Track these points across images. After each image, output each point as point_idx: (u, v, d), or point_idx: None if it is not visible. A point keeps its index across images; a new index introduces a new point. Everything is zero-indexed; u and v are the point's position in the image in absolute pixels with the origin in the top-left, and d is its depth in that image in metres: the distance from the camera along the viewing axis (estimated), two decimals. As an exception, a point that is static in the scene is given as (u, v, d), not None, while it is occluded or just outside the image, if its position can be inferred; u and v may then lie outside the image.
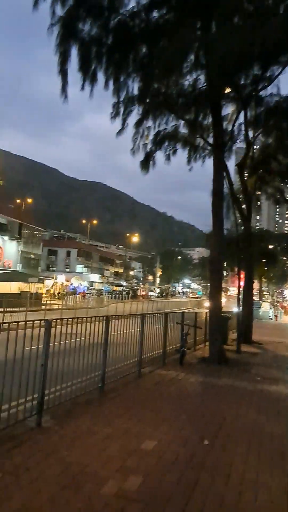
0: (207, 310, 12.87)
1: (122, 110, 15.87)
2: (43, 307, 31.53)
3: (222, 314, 16.73)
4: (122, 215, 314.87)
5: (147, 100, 15.68)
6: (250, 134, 16.93)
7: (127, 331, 7.71)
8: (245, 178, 16.97)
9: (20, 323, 4.65)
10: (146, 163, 15.68)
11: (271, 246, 47.99)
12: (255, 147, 17.64)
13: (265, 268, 67.53)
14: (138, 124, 16.15)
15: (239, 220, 15.41)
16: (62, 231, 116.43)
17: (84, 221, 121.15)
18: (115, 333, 7.05)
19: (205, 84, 14.28)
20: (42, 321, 4.98)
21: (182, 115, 15.41)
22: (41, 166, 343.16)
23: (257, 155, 16.20)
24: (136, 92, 15.15)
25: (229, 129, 16.33)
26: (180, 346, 10.12)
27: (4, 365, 4.28)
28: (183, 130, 16.59)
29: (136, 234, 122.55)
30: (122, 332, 7.40)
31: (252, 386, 7.96)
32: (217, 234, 10.51)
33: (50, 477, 3.49)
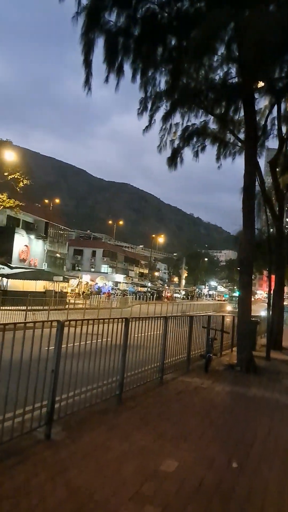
0: (231, 314, 12.16)
1: (149, 105, 15.39)
2: (66, 306, 31.56)
3: (251, 319, 15.99)
4: (148, 216, 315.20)
5: (175, 95, 15.16)
6: (284, 129, 16.11)
7: (149, 333, 7.19)
8: (278, 176, 16.11)
9: (28, 323, 4.19)
10: (173, 160, 15.12)
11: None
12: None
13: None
14: (165, 119, 15.63)
15: (270, 220, 14.58)
16: (88, 231, 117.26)
17: (110, 222, 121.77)
18: (137, 335, 6.54)
19: (236, 77, 13.63)
20: (54, 322, 4.52)
21: (212, 110, 14.76)
22: (70, 167, 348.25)
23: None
24: (164, 86, 14.70)
25: (262, 124, 15.61)
26: (205, 352, 9.50)
27: (9, 369, 3.84)
28: (213, 126, 16.00)
29: (162, 235, 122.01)
30: (143, 334, 6.89)
31: (286, 399, 7.26)
32: (247, 233, 9.82)
33: (52, 504, 3.00)
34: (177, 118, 16.93)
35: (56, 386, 4.41)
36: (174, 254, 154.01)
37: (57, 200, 76.06)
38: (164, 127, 15.80)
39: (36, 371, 4.17)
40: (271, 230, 15.26)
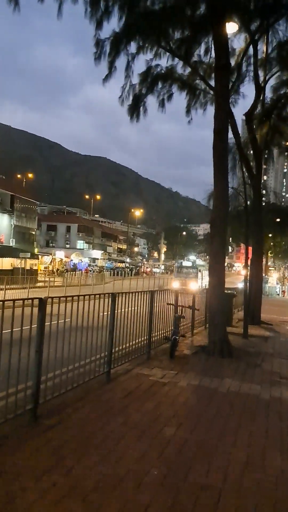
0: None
1: (107, 49, 13.19)
2: (38, 284, 29.54)
3: (226, 291, 14.44)
4: (127, 190, 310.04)
5: (137, 36, 12.96)
6: (261, 76, 14.14)
7: (95, 315, 5.41)
8: (254, 130, 14.24)
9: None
10: (135, 109, 13.03)
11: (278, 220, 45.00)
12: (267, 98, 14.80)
13: (272, 243, 64.79)
14: (127, 67, 13.46)
15: (248, 183, 12.79)
16: (64, 207, 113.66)
17: (87, 196, 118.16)
18: (72, 318, 4.76)
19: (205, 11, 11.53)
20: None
21: (179, 52, 12.66)
22: (44, 141, 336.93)
23: (269, 100, 13.41)
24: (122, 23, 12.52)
25: (236, 68, 13.60)
26: (172, 333, 7.81)
27: None
28: (182, 72, 13.89)
29: (140, 210, 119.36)
30: (85, 317, 5.10)
31: (268, 393, 5.65)
32: (219, 187, 8.02)
33: None
34: (141, 63, 14.77)
35: None
36: (153, 229, 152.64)
37: (30, 175, 72.35)
38: (126, 74, 13.65)
39: None
40: (249, 193, 13.50)
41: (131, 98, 13.03)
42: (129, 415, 4.39)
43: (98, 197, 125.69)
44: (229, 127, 12.19)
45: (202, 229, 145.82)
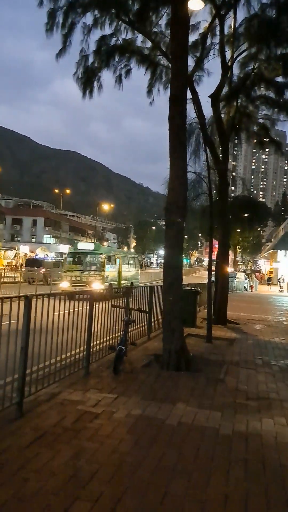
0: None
1: (60, 19, 11.68)
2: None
3: (188, 288, 13.23)
4: (97, 186, 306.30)
5: (93, 6, 11.50)
6: (228, 54, 12.92)
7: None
8: (220, 112, 13.02)
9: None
10: (88, 84, 11.51)
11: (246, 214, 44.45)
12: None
13: (240, 239, 64.72)
14: (84, 40, 11.97)
15: (213, 168, 11.54)
16: (32, 201, 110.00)
17: (57, 191, 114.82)
18: None
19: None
20: None
21: (138, 24, 11.30)
22: (11, 134, 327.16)
23: (236, 79, 12.18)
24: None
25: (201, 44, 12.33)
26: (119, 342, 6.42)
27: None
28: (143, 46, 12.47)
29: (109, 204, 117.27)
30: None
31: (231, 425, 4.36)
32: (175, 166, 6.69)
33: None
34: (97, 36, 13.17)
35: None
36: (124, 224, 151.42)
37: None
38: (81, 49, 12.10)
39: None
40: (215, 180, 12.26)
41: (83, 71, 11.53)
42: (27, 480, 2.96)
43: (67, 191, 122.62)
44: (194, 107, 10.94)
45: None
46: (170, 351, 6.58)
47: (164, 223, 7.16)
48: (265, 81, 11.22)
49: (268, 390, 5.84)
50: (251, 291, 41.17)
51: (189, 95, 11.28)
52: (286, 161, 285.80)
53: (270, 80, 11.16)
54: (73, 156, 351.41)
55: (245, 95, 11.65)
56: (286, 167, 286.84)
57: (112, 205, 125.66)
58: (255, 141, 13.13)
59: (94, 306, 6.04)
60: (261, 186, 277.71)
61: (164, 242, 6.95)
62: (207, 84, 13.49)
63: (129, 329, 7.43)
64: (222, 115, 13.32)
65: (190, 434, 4.04)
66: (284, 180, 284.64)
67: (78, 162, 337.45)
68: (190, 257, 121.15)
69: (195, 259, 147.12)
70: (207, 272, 11.26)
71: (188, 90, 11.87)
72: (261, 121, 12.99)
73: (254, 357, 8.20)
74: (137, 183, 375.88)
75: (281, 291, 40.19)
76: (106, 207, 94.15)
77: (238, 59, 12.06)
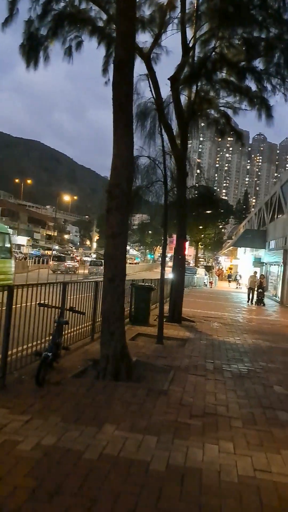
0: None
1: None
2: None
3: (142, 284, 12.40)
4: (61, 177, 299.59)
5: None
6: (189, 33, 12.09)
7: None
8: (180, 96, 12.18)
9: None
10: (32, 53, 10.30)
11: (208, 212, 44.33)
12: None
13: (202, 235, 65.00)
14: (31, 9, 10.75)
15: (168, 153, 10.67)
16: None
17: (17, 180, 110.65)
18: None
19: None
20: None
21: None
22: None
23: (196, 60, 11.36)
24: None
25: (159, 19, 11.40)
26: (48, 348, 5.42)
27: None
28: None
29: (75, 197, 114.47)
30: None
31: (166, 456, 3.50)
32: (119, 144, 5.75)
33: None
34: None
35: None
36: (86, 216, 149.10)
37: None
38: (29, 18, 10.85)
39: None
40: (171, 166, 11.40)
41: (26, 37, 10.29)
42: None
43: (29, 181, 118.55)
44: (150, 85, 10.02)
45: (137, 218, 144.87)
46: (108, 357, 5.66)
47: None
48: (227, 63, 10.47)
49: (217, 403, 5.06)
50: (211, 287, 41.13)
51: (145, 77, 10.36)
52: (248, 161, 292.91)
53: (232, 63, 10.42)
54: (36, 145, 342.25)
55: (205, 77, 10.86)
56: (248, 167, 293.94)
57: (75, 197, 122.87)
58: (216, 128, 12.38)
59: (13, 305, 5.00)
60: (224, 185, 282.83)
61: (105, 231, 5.99)
62: (169, 67, 12.60)
63: (64, 331, 6.46)
64: (183, 102, 12.51)
65: (111, 473, 3.13)
66: (247, 179, 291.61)
67: (41, 152, 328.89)
68: (154, 253, 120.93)
69: (159, 254, 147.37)
70: (166, 268, 10.47)
71: (146, 69, 10.95)
72: (222, 109, 12.29)
73: (206, 361, 7.45)
74: (102, 176, 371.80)
75: (238, 287, 40.42)
76: (68, 199, 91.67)
77: (200, 39, 11.23)
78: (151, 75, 10.27)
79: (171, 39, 12.43)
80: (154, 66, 11.08)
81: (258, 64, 10.47)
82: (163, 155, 8.95)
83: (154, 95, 9.83)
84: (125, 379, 5.60)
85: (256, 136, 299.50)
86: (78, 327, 7.66)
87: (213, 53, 10.55)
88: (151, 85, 9.70)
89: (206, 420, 4.43)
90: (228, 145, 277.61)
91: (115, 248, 5.84)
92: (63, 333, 6.55)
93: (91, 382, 5.38)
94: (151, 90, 9.39)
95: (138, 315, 11.32)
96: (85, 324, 8.13)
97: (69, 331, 7.26)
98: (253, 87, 11.24)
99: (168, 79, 11.91)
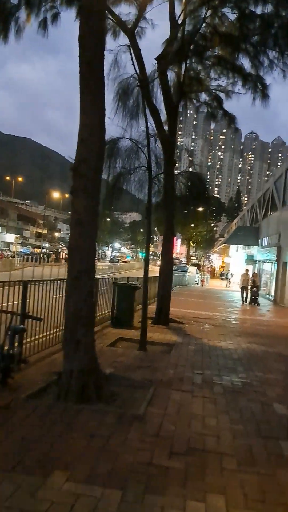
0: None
1: None
2: None
3: (125, 282, 11.36)
4: (53, 175, 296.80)
5: None
6: (178, 9, 11.03)
7: None
8: (167, 78, 11.12)
9: None
10: (1, 24, 9.18)
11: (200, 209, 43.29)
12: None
13: (194, 233, 64.07)
14: None
15: (153, 135, 9.61)
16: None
17: (8, 178, 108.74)
18: None
19: None
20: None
21: None
22: None
23: (186, 33, 10.29)
24: None
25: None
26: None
27: None
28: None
29: (66, 195, 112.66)
30: None
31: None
32: (86, 113, 4.70)
33: None
34: None
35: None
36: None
37: None
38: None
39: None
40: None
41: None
42: None
43: (20, 179, 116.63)
44: (132, 59, 8.96)
45: (129, 217, 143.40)
46: (72, 372, 4.61)
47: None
48: (219, 35, 9.42)
49: (205, 431, 4.04)
50: (202, 286, 40.23)
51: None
52: (240, 159, 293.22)
53: (225, 34, 9.38)
54: (28, 143, 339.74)
55: (196, 53, 9.82)
56: (240, 165, 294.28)
57: (67, 195, 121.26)
58: (208, 111, 11.36)
59: None
60: (217, 183, 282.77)
61: (70, 217, 4.93)
62: (155, 46, 11.52)
63: (22, 340, 5.40)
64: (171, 84, 11.46)
65: None
66: (239, 177, 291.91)
67: (33, 150, 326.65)
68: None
69: (150, 253, 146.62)
70: (158, 266, 9.43)
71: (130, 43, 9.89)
72: (214, 91, 11.28)
73: (193, 372, 6.42)
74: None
75: (229, 286, 39.56)
76: (56, 194, 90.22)
77: (189, 8, 10.16)
78: (133, 45, 9.21)
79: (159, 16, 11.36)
80: (139, 42, 10.01)
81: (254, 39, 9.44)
82: (147, 137, 7.88)
83: (137, 70, 8.74)
84: (94, 399, 4.56)
85: (248, 134, 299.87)
86: (45, 333, 6.60)
87: (204, 24, 9.49)
88: (133, 58, 8.63)
89: (190, 460, 3.40)
90: (220, 143, 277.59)
91: (81, 238, 4.79)
92: (23, 341, 5.50)
93: (49, 405, 4.31)
94: (133, 64, 8.32)
95: (120, 317, 10.30)
96: (54, 330, 7.06)
97: (33, 338, 6.19)
98: (248, 66, 10.23)
99: (155, 58, 10.85)
